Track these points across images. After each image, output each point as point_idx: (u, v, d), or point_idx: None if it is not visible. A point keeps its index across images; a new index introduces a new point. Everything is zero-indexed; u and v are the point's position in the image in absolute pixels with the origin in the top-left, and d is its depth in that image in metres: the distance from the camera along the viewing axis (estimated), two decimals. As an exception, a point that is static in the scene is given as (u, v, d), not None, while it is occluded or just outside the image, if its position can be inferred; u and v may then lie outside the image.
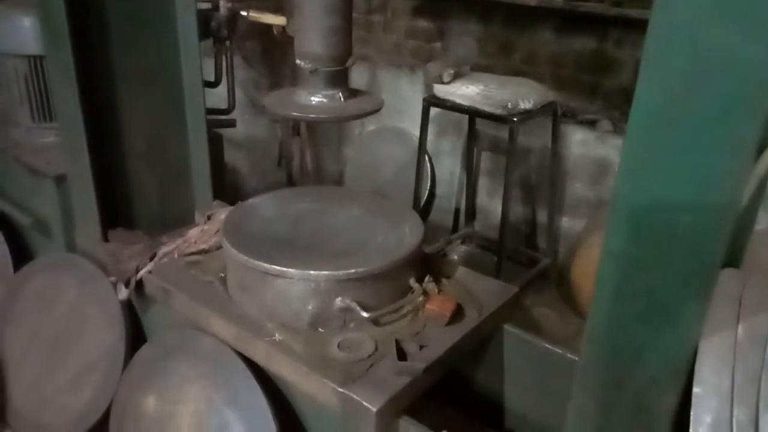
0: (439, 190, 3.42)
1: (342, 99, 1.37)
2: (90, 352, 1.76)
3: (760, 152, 0.98)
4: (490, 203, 3.19)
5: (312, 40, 1.30)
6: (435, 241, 3.07)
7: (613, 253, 0.84)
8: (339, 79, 1.36)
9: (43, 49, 1.83)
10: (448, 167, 3.35)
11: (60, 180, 1.92)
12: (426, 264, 1.58)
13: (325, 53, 1.31)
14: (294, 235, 1.54)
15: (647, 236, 0.80)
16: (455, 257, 3.12)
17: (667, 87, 0.73)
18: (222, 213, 1.78)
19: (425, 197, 3.26)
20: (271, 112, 1.42)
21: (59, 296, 1.87)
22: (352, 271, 1.34)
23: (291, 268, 1.33)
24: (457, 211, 3.37)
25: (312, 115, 1.36)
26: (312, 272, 1.33)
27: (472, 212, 3.24)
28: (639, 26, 2.27)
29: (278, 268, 1.34)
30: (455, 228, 3.36)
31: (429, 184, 3.32)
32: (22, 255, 2.11)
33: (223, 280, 1.55)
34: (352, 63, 1.37)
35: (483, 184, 3.21)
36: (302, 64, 1.33)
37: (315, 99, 1.36)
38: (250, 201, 1.71)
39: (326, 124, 3.40)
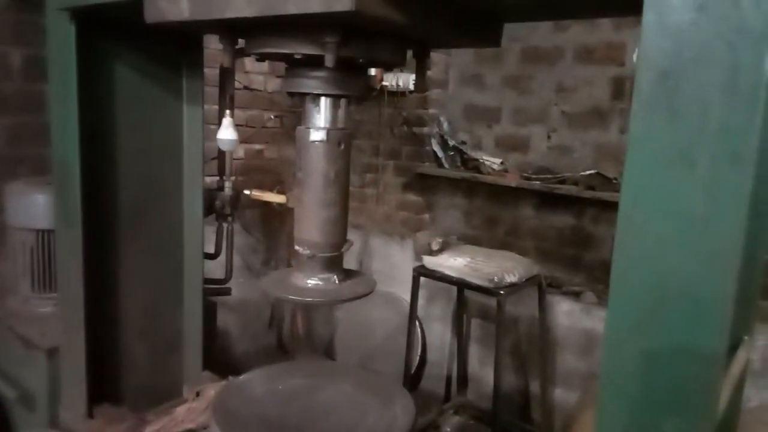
0: (431, 357, 3.41)
1: (337, 282, 1.44)
2: None
3: (734, 349, 1.04)
4: (482, 371, 3.16)
5: (310, 230, 1.40)
6: (427, 411, 2.99)
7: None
8: (334, 263, 1.44)
9: (52, 224, 1.93)
10: (438, 333, 3.37)
11: (52, 353, 1.92)
12: (417, 446, 1.55)
13: (322, 241, 1.40)
14: (284, 415, 1.53)
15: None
16: (448, 429, 3.01)
17: (635, 301, 0.81)
18: (211, 389, 1.77)
19: (416, 364, 3.24)
20: (273, 294, 1.48)
21: (33, 477, 1.79)
22: (342, 457, 1.31)
23: (279, 454, 1.31)
24: (448, 378, 3.32)
25: (308, 299, 1.42)
26: (300, 459, 1.30)
27: (463, 380, 3.20)
28: (612, 207, 2.45)
29: (266, 454, 1.31)
30: (447, 396, 3.29)
31: (420, 351, 3.31)
32: (4, 429, 2.04)
33: (208, 464, 1.50)
34: (347, 248, 1.46)
35: (474, 351, 3.21)
36: (301, 249, 1.42)
37: (311, 282, 1.43)
38: (241, 378, 1.71)
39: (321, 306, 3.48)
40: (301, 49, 1.20)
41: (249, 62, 3.36)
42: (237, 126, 3.26)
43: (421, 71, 1.43)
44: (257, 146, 3.52)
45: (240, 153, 3.46)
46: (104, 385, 1.86)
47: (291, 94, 1.39)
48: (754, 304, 1.09)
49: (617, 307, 0.82)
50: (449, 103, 3.32)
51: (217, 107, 2.46)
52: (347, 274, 1.49)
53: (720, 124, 0.72)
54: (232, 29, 1.30)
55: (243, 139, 3.43)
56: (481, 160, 3.04)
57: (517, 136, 3.11)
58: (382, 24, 1.10)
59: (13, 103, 2.48)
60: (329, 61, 1.15)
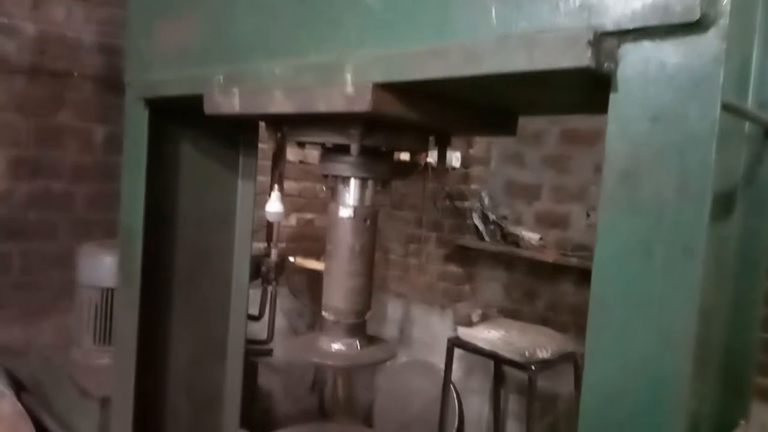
0: (468, 430, 3.38)
1: (359, 347, 1.55)
2: None
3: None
4: (519, 448, 3.11)
5: (336, 297, 1.53)
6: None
7: None
8: (357, 330, 1.55)
9: (114, 283, 2.13)
10: (476, 407, 3.35)
11: (105, 402, 2.08)
12: None
13: (346, 308, 1.52)
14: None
15: None
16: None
17: (606, 378, 0.88)
18: (243, 445, 1.87)
19: (453, 437, 3.22)
20: (299, 357, 1.59)
21: None
22: None
23: None
24: (485, 454, 3.28)
25: (330, 362, 1.53)
26: None
27: (500, 457, 3.15)
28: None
29: None
30: (484, 473, 3.24)
31: (457, 423, 3.30)
32: (52, 473, 2.19)
33: None
34: (370, 316, 1.58)
35: (511, 427, 3.17)
36: (327, 315, 1.55)
37: (335, 346, 1.54)
38: (271, 436, 1.81)
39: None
40: (331, 139, 1.38)
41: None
42: (290, 197, 3.50)
43: (442, 154, 1.57)
44: (308, 215, 3.73)
45: (292, 221, 3.67)
46: (148, 435, 1.99)
47: (325, 176, 1.56)
48: (747, 387, 1.12)
49: (591, 383, 0.89)
50: (491, 180, 3.45)
51: (269, 178, 2.67)
52: (369, 340, 1.59)
53: (674, 221, 0.81)
54: (275, 121, 1.50)
55: (295, 209, 3.66)
56: (521, 235, 3.11)
57: (556, 213, 3.18)
58: (399, 120, 1.26)
59: (93, 172, 2.80)
60: (354, 149, 1.32)
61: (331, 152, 1.49)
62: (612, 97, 0.86)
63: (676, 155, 0.81)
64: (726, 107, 0.79)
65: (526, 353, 2.42)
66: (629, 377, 0.85)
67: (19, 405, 2.12)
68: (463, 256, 3.46)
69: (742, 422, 1.10)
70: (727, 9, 0.78)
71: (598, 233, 0.89)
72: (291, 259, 2.56)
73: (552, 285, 3.10)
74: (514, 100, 1.32)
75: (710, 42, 0.79)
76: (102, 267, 2.36)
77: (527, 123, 3.19)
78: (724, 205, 0.99)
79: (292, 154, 3.51)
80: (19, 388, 2.27)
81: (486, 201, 3.24)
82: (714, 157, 0.78)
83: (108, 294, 2.35)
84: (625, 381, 0.85)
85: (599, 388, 0.88)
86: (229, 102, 1.44)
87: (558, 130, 3.16)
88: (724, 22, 0.78)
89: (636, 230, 0.84)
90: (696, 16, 0.78)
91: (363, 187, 1.50)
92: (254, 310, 2.59)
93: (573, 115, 3.08)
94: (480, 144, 3.46)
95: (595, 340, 0.89)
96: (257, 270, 2.47)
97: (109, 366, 2.22)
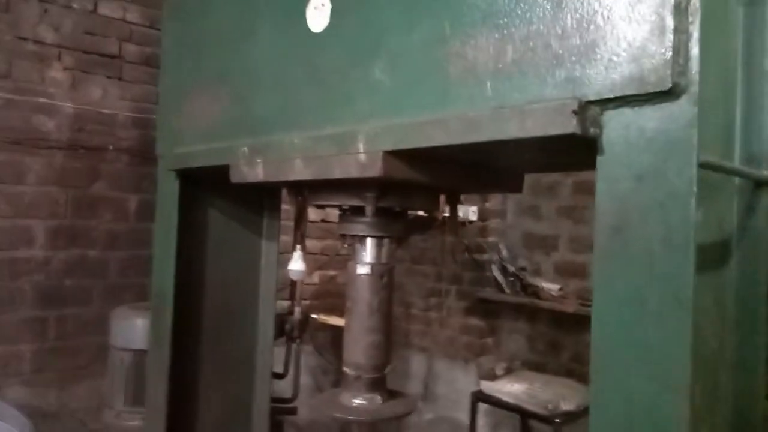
0: (498, 488, 3.31)
1: (380, 401, 1.59)
2: None
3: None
4: (550, 507, 3.03)
5: (356, 353, 1.59)
6: None
7: None
8: (378, 384, 1.60)
9: (146, 345, 2.21)
10: (505, 463, 3.30)
11: (135, 463, 2.13)
12: None
13: (366, 364, 1.58)
14: None
15: None
16: None
17: (610, 424, 0.92)
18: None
19: (482, 496, 3.16)
20: (322, 412, 1.64)
21: None
22: None
23: None
24: None
25: (351, 417, 1.58)
26: None
27: None
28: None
29: None
30: None
31: (486, 482, 3.24)
32: None
33: None
34: (390, 370, 1.63)
35: (541, 483, 3.10)
36: (347, 370, 1.60)
37: (356, 401, 1.59)
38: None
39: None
40: (347, 202, 1.48)
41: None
42: (313, 254, 3.60)
43: (453, 211, 1.66)
44: (331, 272, 3.81)
45: (315, 279, 3.75)
46: (176, 497, 2.02)
47: (343, 236, 1.65)
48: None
49: (597, 428, 0.94)
50: (508, 232, 3.51)
51: (292, 238, 2.77)
52: (390, 394, 1.64)
53: (662, 271, 0.87)
54: (296, 186, 1.61)
55: (318, 267, 3.75)
56: (540, 286, 3.14)
57: (575, 262, 3.21)
58: (410, 182, 1.35)
59: (126, 239, 2.95)
60: (368, 211, 1.41)
61: (348, 214, 1.59)
62: (599, 159, 0.94)
63: (660, 211, 0.88)
64: (703, 165, 0.87)
65: (550, 406, 2.41)
66: (633, 423, 0.89)
67: (53, 468, 2.18)
68: (484, 308, 3.49)
69: (757, 467, 1.12)
70: (696, 78, 0.87)
71: (594, 284, 0.95)
72: (314, 316, 2.62)
73: (575, 335, 3.10)
74: (514, 161, 1.41)
75: (683, 107, 0.87)
76: (134, 329, 2.45)
77: (540, 176, 3.28)
78: (716, 254, 1.04)
79: (313, 213, 3.63)
80: (52, 451, 2.33)
81: (504, 253, 3.29)
82: (694, 212, 0.85)
83: (140, 356, 2.43)
84: (629, 426, 0.89)
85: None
86: (254, 171, 1.56)
87: (571, 181, 3.23)
88: (694, 89, 0.87)
89: (629, 280, 0.90)
90: (668, 85, 0.86)
91: (379, 245, 1.59)
92: (279, 369, 2.64)
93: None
94: (495, 198, 3.54)
95: (598, 387, 0.93)
96: (281, 328, 2.54)
97: (140, 428, 2.28)
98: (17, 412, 2.38)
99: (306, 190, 1.61)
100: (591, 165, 1.00)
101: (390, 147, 1.21)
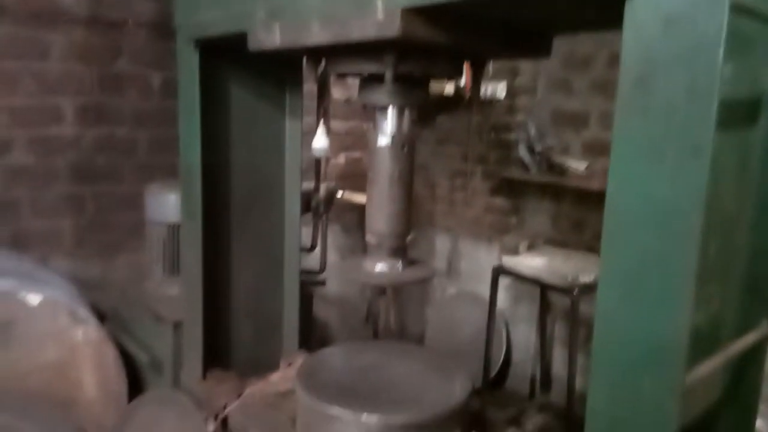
0: (516, 357, 3.50)
1: (400, 268, 1.66)
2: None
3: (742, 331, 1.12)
4: (566, 372, 3.20)
5: (378, 221, 1.63)
6: (510, 407, 3.09)
7: (595, 412, 1.00)
8: (398, 251, 1.65)
9: (179, 219, 2.31)
10: (524, 334, 3.45)
11: (177, 326, 2.29)
12: (474, 420, 1.72)
13: (387, 231, 1.62)
14: (358, 384, 1.76)
15: (618, 396, 0.96)
16: (530, 427, 3.09)
17: (621, 274, 0.95)
18: (301, 360, 2.04)
19: (500, 363, 3.35)
20: (347, 276, 1.73)
21: (160, 427, 2.15)
22: (399, 418, 1.52)
23: (346, 411, 1.54)
24: (533, 378, 3.40)
25: (373, 280, 1.65)
26: (364, 416, 1.52)
27: (547, 381, 3.26)
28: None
29: (335, 410, 1.55)
30: (532, 396, 3.37)
31: (505, 350, 3.42)
32: (136, 388, 2.46)
33: (294, 421, 1.76)
34: (411, 238, 1.67)
35: (558, 353, 3.26)
36: (370, 238, 1.66)
37: (378, 267, 1.66)
38: (324, 351, 1.97)
39: (389, 287, 3.66)
40: (366, 68, 1.44)
41: (351, 79, 3.67)
42: (338, 135, 3.59)
43: (476, 80, 1.61)
44: (356, 154, 3.82)
45: (341, 160, 3.78)
46: (216, 355, 2.19)
47: (364, 106, 1.63)
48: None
49: (606, 279, 0.96)
50: (537, 110, 3.41)
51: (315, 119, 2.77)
52: (410, 261, 1.70)
53: (683, 121, 0.85)
54: (315, 53, 1.57)
55: (343, 148, 3.76)
56: (567, 165, 3.11)
57: (605, 140, 3.14)
58: (431, 44, 1.30)
59: (153, 118, 2.97)
60: (388, 77, 1.38)
61: (368, 82, 1.56)
62: (627, 4, 0.89)
63: (687, 58, 0.84)
64: (736, 8, 0.81)
65: (569, 278, 2.47)
66: (642, 275, 0.91)
67: (103, 330, 2.36)
68: (509, 188, 3.49)
69: (765, 321, 1.15)
70: None
71: (613, 138, 0.93)
72: (339, 193, 2.67)
73: (599, 214, 3.07)
74: (540, 16, 1.33)
75: (721, -57, 0.80)
76: (167, 205, 2.54)
77: (574, 48, 3.13)
78: (744, 113, 1.01)
79: (338, 93, 3.58)
80: (100, 317, 2.52)
81: (532, 131, 3.23)
82: (721, 60, 0.81)
83: (174, 229, 2.54)
84: (639, 278, 0.91)
85: (614, 286, 0.95)
86: (271, 37, 1.52)
87: (606, 53, 3.08)
88: None
89: (648, 133, 0.89)
90: None
91: (400, 115, 1.57)
92: (307, 243, 2.74)
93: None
94: (526, 73, 3.41)
95: (609, 242, 0.95)
96: (308, 205, 2.60)
97: (179, 294, 2.44)
98: (64, 281, 2.55)
99: (325, 58, 1.57)
100: (621, 23, 0.94)
101: (409, 4, 1.16)
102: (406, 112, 1.57)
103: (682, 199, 0.85)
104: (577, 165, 3.06)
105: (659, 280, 0.89)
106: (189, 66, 1.97)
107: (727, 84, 0.87)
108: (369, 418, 1.52)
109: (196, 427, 2.01)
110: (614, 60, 3.08)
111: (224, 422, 1.93)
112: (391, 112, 1.57)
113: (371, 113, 1.61)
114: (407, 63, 1.40)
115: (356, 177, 3.78)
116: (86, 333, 2.30)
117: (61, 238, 2.81)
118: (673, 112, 0.86)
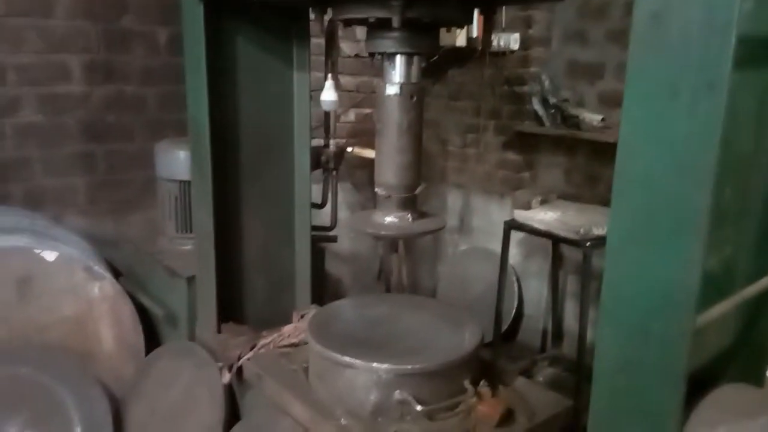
0: (528, 311, 3.52)
1: (410, 220, 1.65)
2: (196, 428, 2.05)
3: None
4: (577, 325, 3.22)
5: (387, 173, 1.62)
6: (521, 360, 3.13)
7: (604, 355, 1.00)
8: (408, 203, 1.65)
9: (189, 176, 2.31)
10: (536, 289, 3.46)
11: (190, 280, 2.32)
12: (485, 370, 1.73)
13: (397, 183, 1.61)
14: (369, 335, 1.78)
15: (628, 339, 0.96)
16: (540, 378, 3.13)
17: (630, 216, 0.93)
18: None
19: (512, 317, 3.37)
20: (356, 228, 1.72)
21: (177, 378, 2.21)
22: (410, 367, 1.54)
23: (358, 359, 1.56)
24: (544, 332, 3.42)
25: (383, 232, 1.65)
26: (375, 365, 1.54)
27: (558, 334, 3.28)
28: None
29: (347, 359, 1.57)
30: (543, 349, 3.40)
31: (516, 304, 3.43)
32: (153, 341, 2.51)
33: (306, 370, 1.80)
34: (421, 190, 1.66)
35: (570, 306, 3.27)
36: (379, 191, 1.64)
37: (388, 219, 1.65)
38: (336, 303, 1.99)
39: (398, 239, 3.65)
40: (373, 13, 1.40)
41: (360, 32, 3.59)
42: (348, 92, 3.54)
43: (487, 28, 1.57)
44: (366, 110, 3.78)
45: (351, 117, 3.74)
46: (230, 309, 2.22)
47: (371, 55, 1.60)
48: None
49: (616, 222, 0.95)
50: (551, 61, 3.33)
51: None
52: (420, 214, 1.69)
53: (699, 57, 0.82)
54: (320, 1, 1.53)
55: (353, 104, 3.71)
56: (582, 117, 3.05)
57: (620, 92, 3.06)
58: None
59: (161, 75, 2.94)
60: (396, 21, 1.34)
61: (375, 30, 1.52)
62: (643, -65, 0.85)
63: (705, -10, 0.80)
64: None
65: (582, 231, 2.46)
66: (653, 214, 0.89)
67: (119, 286, 2.40)
68: (522, 142, 3.44)
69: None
70: None
71: (627, 77, 0.91)
72: (349, 149, 2.65)
73: (613, 167, 3.05)
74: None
75: None
76: (178, 162, 2.54)
77: (590, -3, 3.03)
78: (762, 49, 0.96)
79: (347, 47, 3.52)
80: (115, 273, 2.56)
81: (546, 84, 3.16)
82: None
83: (185, 186, 2.54)
84: (649, 218, 0.90)
85: (623, 227, 0.94)
86: (274, -17, 1.48)
87: (623, 1, 2.98)
88: None
89: (663, 70, 0.86)
90: None
91: (409, 63, 1.54)
92: (317, 200, 2.73)
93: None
94: (540, 23, 3.32)
95: (622, 182, 0.93)
96: (317, 160, 2.58)
97: (192, 250, 2.46)
98: (79, 238, 2.58)
99: (331, 4, 1.53)
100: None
101: (415, -58, 1.12)
102: (415, 61, 1.54)
103: (696, 137, 0.83)
104: (592, 117, 3.00)
105: (671, 221, 0.87)
106: (194, 20, 1.94)
107: (746, 20, 0.83)
108: (380, 367, 1.54)
109: (212, 376, 2.06)
110: (631, 8, 2.97)
111: (239, 372, 1.97)
112: (399, 60, 1.53)
113: (380, 65, 1.58)
114: (415, 8, 1.36)
115: (367, 134, 3.74)
116: (102, 288, 2.34)
117: (73, 196, 2.83)
118: (688, 47, 0.83)
